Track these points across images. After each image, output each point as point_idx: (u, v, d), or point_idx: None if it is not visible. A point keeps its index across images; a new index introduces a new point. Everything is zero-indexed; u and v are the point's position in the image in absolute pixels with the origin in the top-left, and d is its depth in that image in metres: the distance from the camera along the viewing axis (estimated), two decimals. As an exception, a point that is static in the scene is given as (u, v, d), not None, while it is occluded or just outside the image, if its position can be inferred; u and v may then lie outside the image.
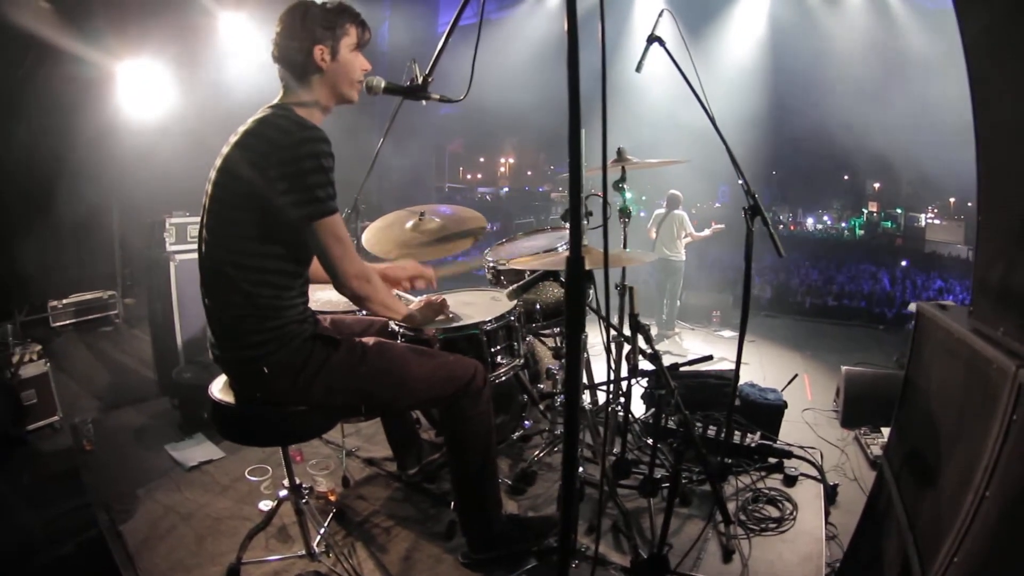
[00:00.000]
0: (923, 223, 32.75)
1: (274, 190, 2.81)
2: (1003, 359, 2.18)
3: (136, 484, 4.78)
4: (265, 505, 3.98)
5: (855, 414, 6.60)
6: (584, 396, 4.83)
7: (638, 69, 4.38)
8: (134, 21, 8.16)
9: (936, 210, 31.86)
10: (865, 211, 36.57)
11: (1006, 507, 1.99)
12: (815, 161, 29.01)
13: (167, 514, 4.39)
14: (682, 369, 4.17)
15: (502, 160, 42.72)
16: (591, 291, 4.28)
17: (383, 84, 3.18)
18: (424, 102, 3.41)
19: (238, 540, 3.72)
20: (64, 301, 8.62)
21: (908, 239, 32.57)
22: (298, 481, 3.63)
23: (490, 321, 3.91)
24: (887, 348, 10.42)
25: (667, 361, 3.98)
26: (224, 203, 2.98)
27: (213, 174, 3.04)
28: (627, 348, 3.89)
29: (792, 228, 37.44)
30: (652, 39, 4.18)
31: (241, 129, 3.02)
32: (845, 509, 4.60)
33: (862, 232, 36.18)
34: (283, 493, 3.63)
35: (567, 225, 4.25)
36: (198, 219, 3.15)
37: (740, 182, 3.88)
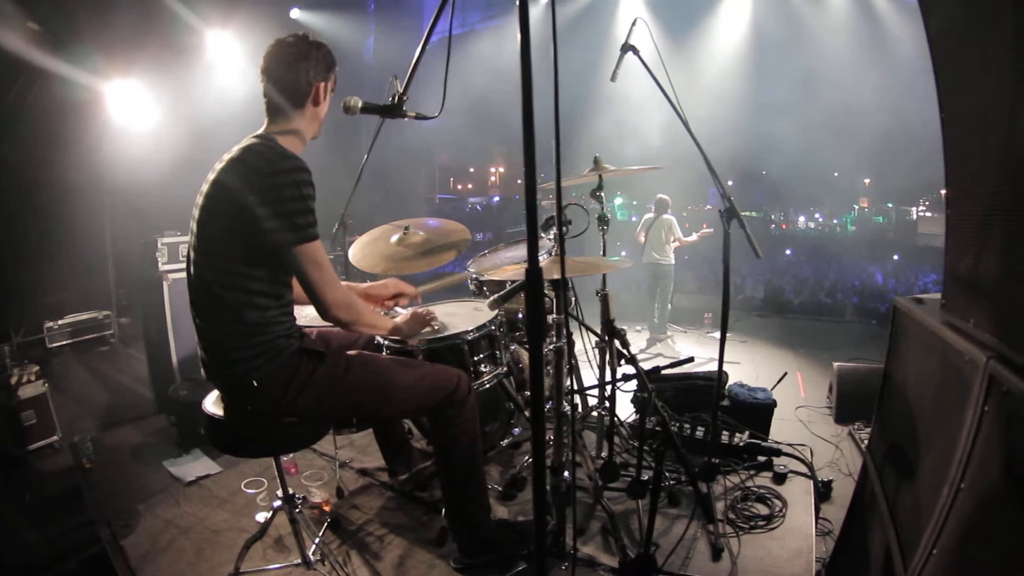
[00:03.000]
0: (915, 217, 32.76)
1: (256, 216, 2.88)
2: (974, 351, 2.23)
3: (136, 500, 4.82)
4: (262, 517, 4.03)
5: (848, 410, 6.65)
6: (574, 401, 4.86)
7: (612, 78, 4.41)
8: (121, 41, 8.19)
9: (928, 203, 31.87)
10: (856, 207, 36.53)
11: (980, 498, 2.04)
12: (805, 159, 28.94)
13: (167, 528, 4.43)
14: (670, 372, 4.20)
15: (492, 170, 42.65)
16: (572, 299, 4.33)
17: (360, 104, 3.25)
18: (404, 119, 3.46)
19: (236, 551, 3.77)
20: (60, 322, 8.65)
21: (900, 233, 32.57)
22: (292, 491, 3.68)
23: (471, 331, 3.98)
24: (880, 343, 10.40)
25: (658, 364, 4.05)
26: (210, 226, 3.05)
27: (200, 198, 3.12)
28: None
29: (784, 227, 37.40)
30: (626, 48, 4.22)
31: (227, 156, 3.10)
32: (840, 505, 4.62)
33: (854, 228, 36.15)
34: (277, 503, 3.69)
35: (546, 235, 4.31)
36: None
37: (716, 185, 3.92)
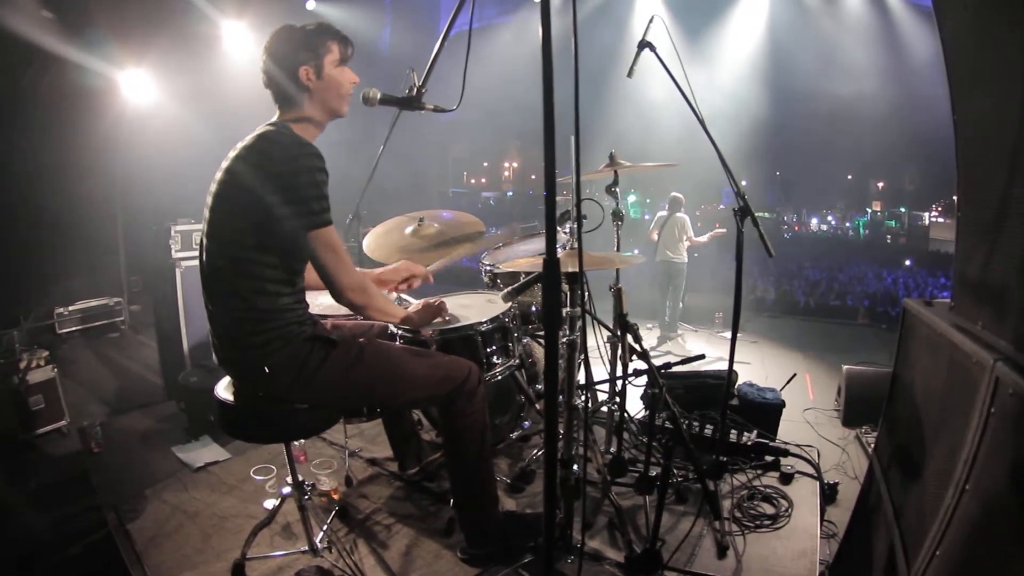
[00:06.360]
0: (927, 221, 32.70)
1: (271, 202, 2.91)
2: (981, 353, 2.23)
3: (144, 485, 4.84)
4: (270, 504, 4.03)
5: (856, 413, 6.63)
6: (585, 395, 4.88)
7: (629, 75, 4.41)
8: (136, 30, 8.20)
9: (940, 208, 31.80)
10: (869, 210, 36.49)
11: (985, 500, 2.04)
12: (819, 161, 28.91)
13: (174, 513, 4.45)
14: (681, 369, 4.22)
15: (506, 164, 42.63)
16: (586, 294, 4.33)
17: (379, 95, 3.27)
18: (421, 111, 3.47)
19: (243, 537, 3.78)
20: (70, 308, 8.70)
21: (912, 238, 32.53)
22: (301, 479, 3.70)
23: (485, 322, 4.00)
24: (890, 347, 10.38)
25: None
26: (224, 213, 3.09)
27: (214, 186, 3.15)
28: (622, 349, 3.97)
29: (796, 228, 37.36)
30: (643, 44, 4.21)
31: (241, 144, 3.13)
32: (845, 507, 4.61)
33: (866, 232, 36.11)
34: (286, 490, 3.70)
35: (562, 229, 4.32)
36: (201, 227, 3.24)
37: (730, 183, 3.91)
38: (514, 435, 5.02)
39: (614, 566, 3.77)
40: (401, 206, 5.16)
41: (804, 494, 4.59)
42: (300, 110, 3.22)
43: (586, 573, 3.65)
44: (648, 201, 32.41)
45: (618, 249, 5.02)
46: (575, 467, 3.65)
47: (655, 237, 10.88)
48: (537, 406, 4.85)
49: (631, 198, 32.12)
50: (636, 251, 9.75)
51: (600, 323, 4.71)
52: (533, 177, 41.30)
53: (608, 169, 4.97)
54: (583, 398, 4.23)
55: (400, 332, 4.02)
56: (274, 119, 3.24)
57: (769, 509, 4.37)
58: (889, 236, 34.96)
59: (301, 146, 3.01)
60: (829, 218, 38.41)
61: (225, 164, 3.12)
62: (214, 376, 3.82)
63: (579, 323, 3.80)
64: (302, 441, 5.23)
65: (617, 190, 4.98)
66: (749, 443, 5.01)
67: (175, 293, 6.61)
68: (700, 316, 11.84)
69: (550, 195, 1.86)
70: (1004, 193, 2.28)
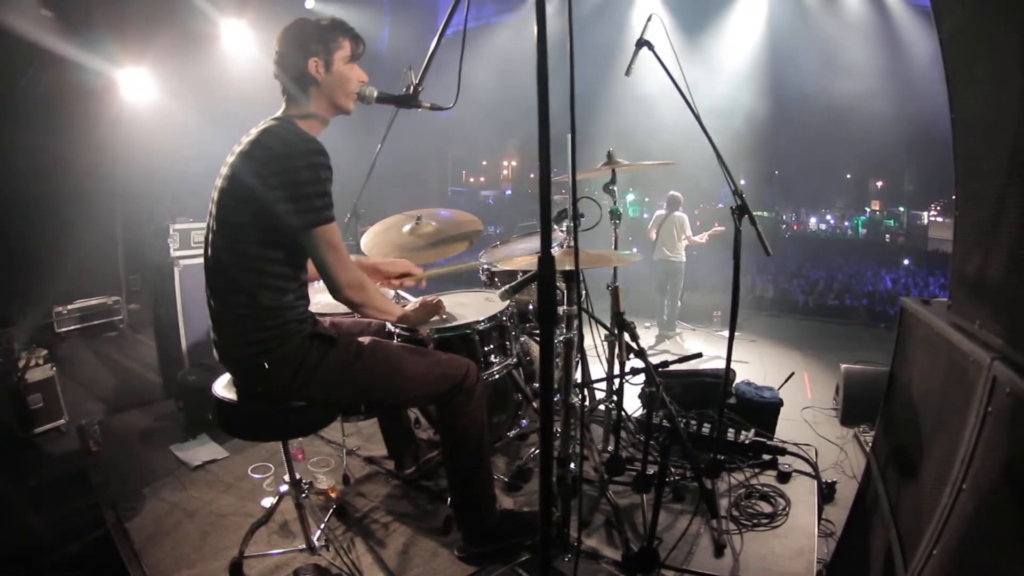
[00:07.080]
0: (926, 221, 32.65)
1: (274, 198, 2.91)
2: (979, 352, 2.23)
3: (142, 483, 4.85)
4: (267, 502, 4.03)
5: (854, 412, 6.63)
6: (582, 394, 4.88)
7: (627, 73, 4.40)
8: (135, 29, 8.19)
9: (939, 208, 31.75)
10: (868, 209, 36.44)
11: (981, 499, 2.04)
12: (817, 160, 28.84)
13: (172, 511, 4.46)
14: (678, 368, 4.21)
15: (505, 163, 42.50)
16: (583, 293, 4.33)
17: (375, 93, 3.27)
18: (418, 109, 3.47)
19: (241, 535, 3.79)
20: (69, 307, 8.70)
21: (911, 237, 32.49)
22: (299, 477, 3.70)
23: (483, 321, 4.01)
24: (889, 347, 10.36)
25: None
26: (229, 208, 3.08)
27: (219, 180, 3.14)
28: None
29: (795, 228, 37.31)
30: (641, 43, 4.21)
31: (245, 139, 3.12)
32: (843, 507, 4.60)
33: (865, 231, 36.06)
34: (284, 488, 3.70)
35: (559, 228, 4.32)
36: (202, 225, 3.25)
37: (728, 182, 3.91)
38: (511, 433, 5.02)
39: (611, 564, 3.77)
40: (399, 204, 5.15)
41: (802, 493, 4.59)
42: (306, 104, 3.22)
43: (583, 572, 3.66)
44: (647, 200, 32.33)
45: (616, 247, 5.02)
46: (572, 465, 3.66)
47: (653, 236, 10.89)
48: (534, 404, 4.85)
49: (630, 197, 32.06)
50: (635, 249, 9.76)
51: (597, 321, 4.71)
52: (532, 176, 41.07)
53: (606, 167, 4.97)
54: (580, 396, 4.22)
55: (397, 331, 4.02)
56: (279, 114, 3.24)
57: (767, 508, 4.38)
58: (888, 235, 34.96)
59: (305, 141, 3.00)
60: (828, 217, 38.38)
61: (230, 159, 3.13)
62: (212, 374, 3.82)
63: (576, 321, 3.81)
64: (300, 439, 5.22)
65: (615, 188, 4.98)
66: (747, 442, 5.01)
67: (174, 292, 6.60)
68: (698, 315, 11.86)
69: (545, 192, 1.86)
70: (1002, 192, 2.28)
